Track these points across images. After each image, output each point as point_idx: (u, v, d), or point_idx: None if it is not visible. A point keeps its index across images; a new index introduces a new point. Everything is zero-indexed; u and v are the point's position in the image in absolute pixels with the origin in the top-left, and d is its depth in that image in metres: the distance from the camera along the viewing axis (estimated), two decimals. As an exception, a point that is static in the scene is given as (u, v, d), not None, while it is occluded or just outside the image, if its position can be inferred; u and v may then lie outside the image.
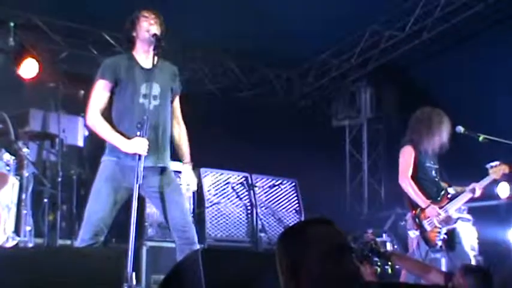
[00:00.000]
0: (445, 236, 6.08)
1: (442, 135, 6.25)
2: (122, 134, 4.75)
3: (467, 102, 8.52)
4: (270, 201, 8.59)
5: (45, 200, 7.47)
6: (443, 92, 8.79)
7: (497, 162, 6.24)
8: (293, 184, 8.84)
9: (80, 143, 8.43)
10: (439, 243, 6.06)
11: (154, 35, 4.87)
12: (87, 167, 8.29)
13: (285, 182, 8.72)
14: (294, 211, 8.71)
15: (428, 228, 6.10)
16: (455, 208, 6.23)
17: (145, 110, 4.69)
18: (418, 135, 6.26)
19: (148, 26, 4.91)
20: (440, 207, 6.15)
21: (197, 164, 8.30)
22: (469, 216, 6.75)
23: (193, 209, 8.03)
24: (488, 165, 6.27)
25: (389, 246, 8.11)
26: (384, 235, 8.24)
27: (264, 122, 10.22)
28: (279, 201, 8.63)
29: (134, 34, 4.96)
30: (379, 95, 10.57)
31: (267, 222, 8.40)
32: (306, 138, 10.21)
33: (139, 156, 4.60)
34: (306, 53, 10.22)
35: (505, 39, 8.49)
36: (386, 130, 10.76)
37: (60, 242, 7.34)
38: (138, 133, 4.63)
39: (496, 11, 8.77)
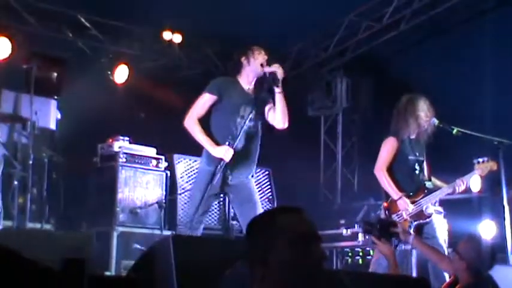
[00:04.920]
0: (412, 232, 6.02)
1: (424, 121, 6.21)
2: (215, 141, 5.61)
3: (443, 94, 8.59)
4: (243, 189, 8.61)
5: (16, 183, 7.46)
6: (420, 84, 8.81)
7: (485, 158, 6.05)
8: (266, 173, 8.89)
9: (53, 126, 8.40)
10: None
11: (271, 73, 5.70)
12: (59, 150, 8.28)
13: (258, 170, 8.74)
14: (266, 200, 8.76)
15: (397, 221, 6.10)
16: (431, 202, 6.15)
17: (240, 128, 5.55)
18: (401, 122, 6.24)
19: (262, 60, 5.78)
20: (414, 202, 6.14)
21: (170, 150, 8.39)
22: (440, 209, 6.76)
23: (166, 195, 8.06)
24: (475, 160, 6.08)
25: (360, 237, 8.18)
26: (356, 225, 8.31)
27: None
28: (251, 190, 8.66)
29: (245, 62, 5.80)
30: (355, 85, 10.60)
31: (240, 210, 8.41)
32: (281, 127, 10.22)
33: (224, 162, 5.44)
34: (282, 42, 10.23)
35: (482, 32, 8.56)
36: (361, 121, 10.80)
37: (29, 225, 7.33)
38: (227, 143, 5.50)
39: (474, 4, 8.84)
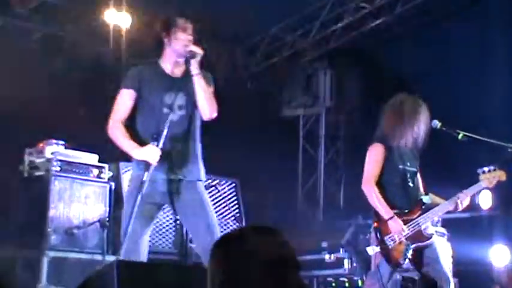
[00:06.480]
0: (410, 257, 6.00)
1: (417, 127, 6.20)
2: (145, 143, 5.44)
3: (445, 92, 8.63)
4: (204, 205, 8.58)
5: None
6: (417, 78, 8.90)
7: (491, 167, 6.02)
8: (233, 185, 8.84)
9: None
10: (404, 262, 6.02)
11: (191, 52, 5.55)
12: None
13: (223, 182, 8.69)
14: (232, 218, 8.71)
15: (390, 244, 6.06)
16: (431, 221, 6.13)
17: (168, 120, 5.40)
18: (389, 128, 6.24)
19: (186, 41, 5.57)
20: (410, 220, 6.12)
21: (116, 157, 8.30)
22: (443, 230, 6.74)
23: (109, 212, 7.98)
24: (479, 170, 6.05)
25: (346, 264, 8.17)
26: (341, 250, 8.30)
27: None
28: (215, 206, 8.60)
29: (166, 40, 5.64)
30: (341, 79, 10.68)
31: (200, 231, 8.37)
32: (251, 129, 10.23)
33: (149, 164, 5.33)
34: (254, 25, 10.23)
35: (481, 20, 8.62)
36: (348, 122, 10.87)
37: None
38: (152, 143, 5.36)
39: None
